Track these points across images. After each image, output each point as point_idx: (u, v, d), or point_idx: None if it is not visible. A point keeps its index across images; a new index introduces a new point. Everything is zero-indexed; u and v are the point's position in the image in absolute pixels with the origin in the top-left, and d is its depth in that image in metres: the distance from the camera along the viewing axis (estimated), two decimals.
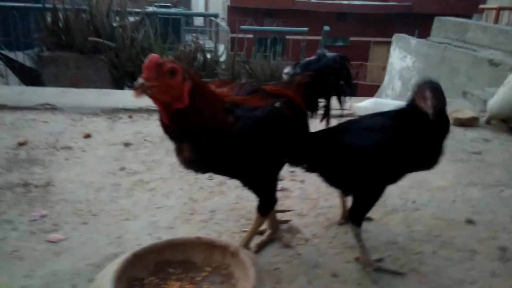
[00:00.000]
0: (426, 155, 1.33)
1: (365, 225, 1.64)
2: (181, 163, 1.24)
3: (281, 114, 1.25)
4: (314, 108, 1.46)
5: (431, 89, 1.22)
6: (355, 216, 1.42)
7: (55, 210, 1.67)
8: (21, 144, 2.25)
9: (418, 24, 14.22)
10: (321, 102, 1.49)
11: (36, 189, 1.82)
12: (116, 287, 1.07)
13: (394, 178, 1.38)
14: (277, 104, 1.25)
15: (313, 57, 1.47)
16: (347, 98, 1.52)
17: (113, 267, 1.14)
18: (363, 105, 2.77)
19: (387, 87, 6.42)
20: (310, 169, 1.48)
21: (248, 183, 1.35)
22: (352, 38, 18.40)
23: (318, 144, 1.42)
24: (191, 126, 1.12)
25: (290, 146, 1.33)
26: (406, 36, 6.23)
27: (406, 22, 15.98)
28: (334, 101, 1.50)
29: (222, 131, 1.14)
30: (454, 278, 1.39)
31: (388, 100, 2.92)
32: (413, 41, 5.91)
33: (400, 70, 6.06)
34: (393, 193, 1.93)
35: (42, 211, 1.65)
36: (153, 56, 1.04)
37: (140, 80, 1.01)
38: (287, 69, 1.48)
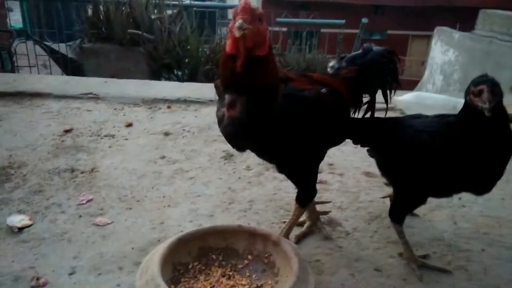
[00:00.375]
0: (482, 171, 1.20)
1: (409, 220, 1.60)
2: (225, 126, 1.17)
3: (326, 100, 1.23)
4: (357, 104, 1.44)
5: (488, 83, 1.12)
6: (395, 213, 1.38)
7: (101, 195, 1.73)
8: (66, 131, 2.34)
9: (460, 18, 13.64)
10: (365, 98, 1.46)
11: (82, 174, 1.89)
12: (163, 270, 1.10)
13: (442, 188, 1.30)
14: (324, 90, 1.24)
15: (359, 51, 1.45)
16: (393, 93, 1.48)
17: (160, 250, 1.17)
18: (404, 99, 2.69)
19: (427, 82, 6.21)
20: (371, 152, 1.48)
21: (286, 170, 1.34)
22: (389, 32, 17.90)
23: (383, 131, 1.40)
24: (259, 76, 1.09)
25: (331, 135, 1.30)
26: (448, 29, 5.99)
27: (446, 15, 15.36)
28: (378, 96, 1.46)
29: (277, 94, 1.14)
30: (504, 277, 1.33)
31: (431, 94, 2.82)
32: (456, 34, 5.69)
33: (441, 64, 5.85)
34: None
35: (89, 196, 1.70)
36: (246, 0, 1.04)
37: (240, 21, 1.01)
38: (332, 63, 1.46)
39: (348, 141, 2.06)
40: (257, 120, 1.12)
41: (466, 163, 1.18)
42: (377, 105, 1.48)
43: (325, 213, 1.62)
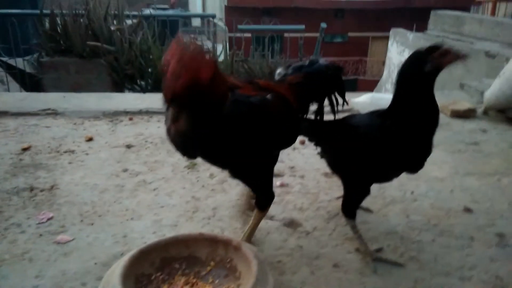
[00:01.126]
0: (417, 150, 1.35)
1: (364, 216, 1.68)
2: (173, 137, 1.20)
3: (272, 105, 1.28)
4: (304, 110, 1.50)
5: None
6: (347, 208, 1.47)
7: (62, 212, 1.71)
8: (24, 149, 2.29)
9: (417, 18, 14.19)
10: (313, 106, 1.53)
11: (42, 192, 1.86)
12: (125, 283, 1.11)
13: (383, 174, 1.44)
14: (269, 96, 1.28)
15: (306, 62, 1.52)
16: (339, 107, 1.57)
17: (121, 263, 1.18)
18: (360, 100, 2.80)
19: (386, 81, 6.44)
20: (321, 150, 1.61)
21: (240, 175, 1.37)
22: (351, 34, 18.39)
23: (327, 131, 1.53)
24: (201, 95, 1.08)
25: (278, 138, 1.35)
26: (403, 30, 6.25)
27: (404, 16, 15.96)
28: (325, 105, 1.54)
29: (222, 107, 1.15)
30: (453, 265, 1.42)
31: (385, 94, 2.95)
32: (411, 35, 5.94)
33: (398, 64, 6.09)
34: (392, 184, 1.96)
35: (49, 214, 1.69)
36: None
37: None
38: (279, 70, 1.53)
39: (309, 144, 2.13)
40: (202, 132, 1.15)
41: (399, 147, 1.32)
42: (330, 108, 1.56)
43: None
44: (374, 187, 1.92)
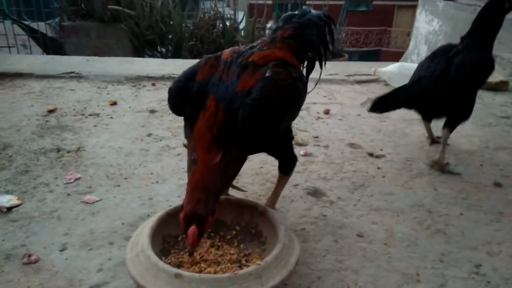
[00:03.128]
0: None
1: (391, 188, 1.66)
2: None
3: (275, 84, 1.18)
4: (302, 60, 1.43)
5: None
6: (454, 124, 1.83)
7: (88, 173, 1.74)
8: (50, 111, 2.31)
9: None
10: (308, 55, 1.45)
11: (69, 154, 1.89)
12: (153, 242, 1.13)
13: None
14: (268, 73, 1.18)
15: (296, 12, 1.44)
16: (326, 58, 1.49)
17: (149, 224, 1.19)
18: (388, 70, 2.71)
19: (412, 53, 6.23)
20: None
21: (260, 147, 1.33)
22: (375, 2, 17.73)
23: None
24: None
25: (295, 106, 1.30)
26: None
27: None
28: (319, 56, 1.47)
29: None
30: (481, 239, 1.40)
31: (413, 64, 2.84)
32: (441, 3, 5.66)
33: (426, 35, 5.85)
34: (420, 157, 1.92)
35: (76, 174, 1.71)
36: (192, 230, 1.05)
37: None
38: (269, 24, 1.46)
39: (334, 113, 2.10)
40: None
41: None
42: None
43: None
44: (402, 160, 1.90)
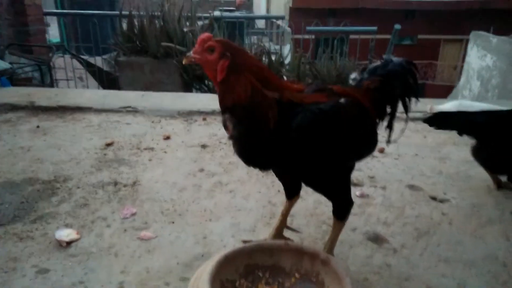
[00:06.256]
0: None
1: (459, 236, 1.54)
2: (232, 145, 1.26)
3: (346, 110, 1.22)
4: (382, 115, 1.42)
5: None
6: None
7: (144, 208, 1.75)
8: (108, 144, 2.39)
9: (492, 21, 13.20)
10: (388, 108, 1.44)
11: (125, 188, 1.92)
12: None
13: None
14: (342, 100, 1.23)
15: (378, 63, 1.45)
16: (413, 102, 1.47)
17: (208, 268, 1.16)
18: (446, 108, 2.61)
19: (463, 88, 6.02)
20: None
21: (312, 184, 1.31)
22: (420, 36, 17.50)
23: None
24: (227, 97, 1.17)
25: (354, 147, 1.28)
26: (485, 33, 5.80)
27: (478, 18, 14.91)
28: (399, 106, 1.44)
29: (261, 112, 1.15)
30: None
31: (472, 102, 2.72)
32: (494, 39, 5.49)
33: (478, 70, 5.66)
34: (487, 203, 1.79)
35: (132, 209, 1.73)
36: (205, 34, 1.18)
37: (189, 52, 1.18)
38: (353, 75, 1.47)
39: (389, 152, 2.04)
40: (251, 139, 1.17)
41: None
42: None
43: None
44: (469, 206, 1.78)
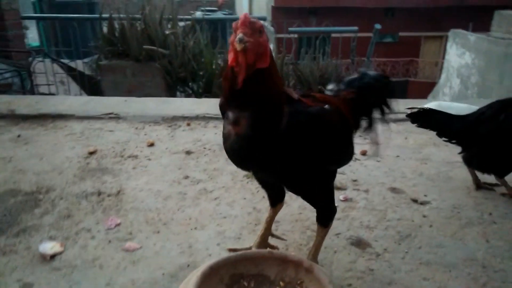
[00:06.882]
0: None
1: (439, 239, 1.58)
2: (232, 143, 1.17)
3: (330, 116, 1.25)
4: (357, 126, 1.47)
5: None
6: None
7: (128, 218, 1.74)
8: (91, 153, 2.37)
9: (472, 17, 13.48)
10: (363, 119, 1.49)
11: (109, 197, 1.91)
12: None
13: None
14: (327, 107, 1.26)
15: (355, 75, 1.50)
16: (388, 116, 1.52)
17: (192, 279, 1.17)
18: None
19: (444, 86, 6.14)
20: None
21: (297, 190, 1.33)
22: (401, 34, 17.77)
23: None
24: (262, 90, 1.10)
25: (336, 153, 1.31)
26: (463, 31, 5.92)
27: (458, 15, 15.20)
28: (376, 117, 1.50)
29: (282, 107, 1.13)
30: None
31: (452, 103, 2.77)
32: (472, 37, 5.61)
33: (458, 68, 5.78)
34: (467, 204, 1.84)
35: (117, 220, 1.72)
36: (246, 14, 1.07)
37: (240, 34, 1.03)
38: (330, 86, 1.51)
39: (372, 156, 2.06)
40: (264, 136, 1.11)
41: None
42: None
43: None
44: (449, 207, 1.82)
